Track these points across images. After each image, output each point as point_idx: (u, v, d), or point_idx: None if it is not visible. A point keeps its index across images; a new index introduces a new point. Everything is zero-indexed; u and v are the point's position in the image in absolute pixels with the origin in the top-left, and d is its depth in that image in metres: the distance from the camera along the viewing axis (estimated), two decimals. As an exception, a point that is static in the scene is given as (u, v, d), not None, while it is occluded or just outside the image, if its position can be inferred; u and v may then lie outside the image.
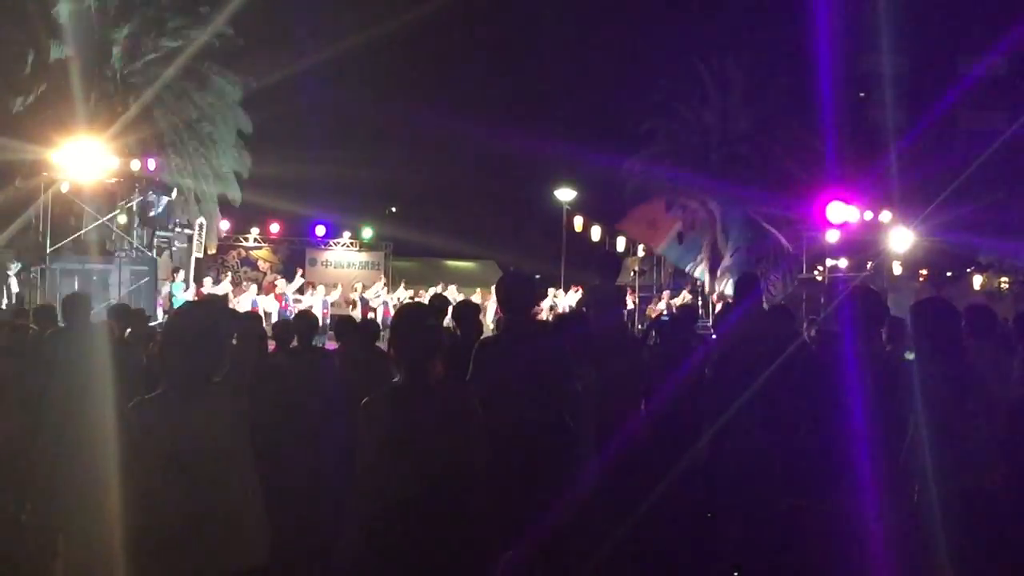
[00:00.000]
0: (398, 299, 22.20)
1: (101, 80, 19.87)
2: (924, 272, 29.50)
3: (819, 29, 21.78)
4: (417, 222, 29.58)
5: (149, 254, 19.59)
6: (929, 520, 3.75)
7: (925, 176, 23.87)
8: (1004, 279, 29.40)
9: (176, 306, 15.29)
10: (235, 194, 23.72)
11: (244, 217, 27.17)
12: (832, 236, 21.66)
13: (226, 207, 24.80)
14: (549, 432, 4.22)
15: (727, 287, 19.95)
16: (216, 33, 20.86)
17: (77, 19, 18.78)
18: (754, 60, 27.81)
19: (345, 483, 3.79)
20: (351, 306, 21.67)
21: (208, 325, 3.37)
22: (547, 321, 13.55)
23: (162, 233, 20.73)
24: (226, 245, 27.29)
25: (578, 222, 26.12)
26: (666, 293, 23.60)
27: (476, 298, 20.15)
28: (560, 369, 4.45)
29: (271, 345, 6.65)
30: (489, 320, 16.82)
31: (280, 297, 21.67)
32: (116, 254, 18.93)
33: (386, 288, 24.22)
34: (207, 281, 20.69)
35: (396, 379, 3.48)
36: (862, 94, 30.66)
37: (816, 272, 25.62)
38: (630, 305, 20.69)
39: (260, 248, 28.31)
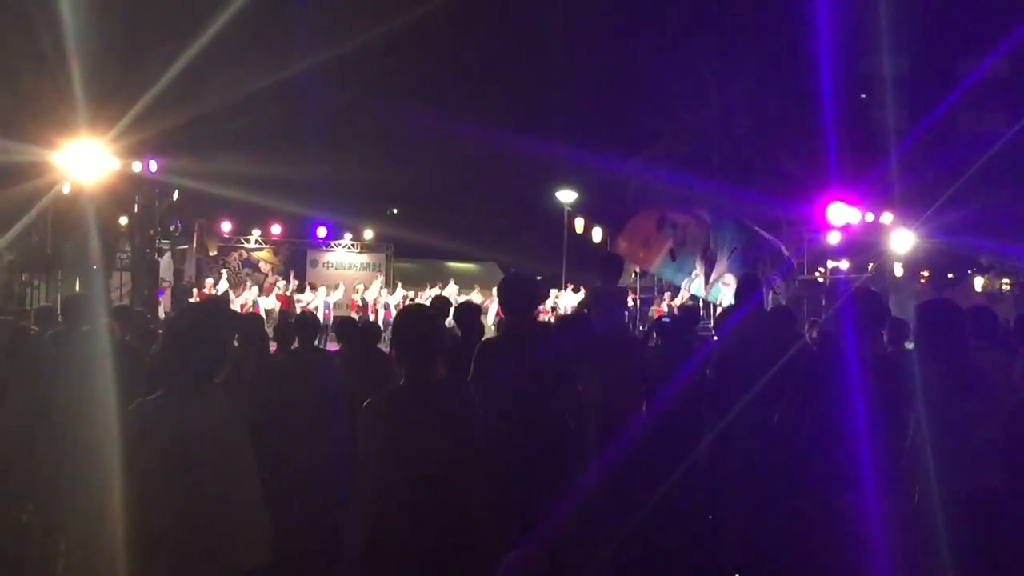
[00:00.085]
0: (401, 299, 22.23)
1: (102, 81, 19.88)
2: (925, 274, 29.51)
3: (820, 30, 21.78)
4: (418, 223, 29.56)
5: (151, 255, 19.60)
6: (930, 522, 3.75)
7: (926, 178, 23.89)
8: (1005, 281, 29.42)
9: None
10: (236, 195, 23.71)
11: (245, 218, 27.20)
12: (833, 238, 21.67)
13: (227, 208, 24.80)
14: (550, 433, 4.22)
15: (722, 293, 19.91)
16: (217, 33, 20.85)
17: (78, 20, 18.79)
18: (755, 62, 27.81)
19: (346, 483, 3.79)
20: (359, 310, 21.72)
21: (209, 326, 3.37)
22: (549, 322, 13.57)
23: (163, 235, 20.75)
24: (227, 246, 27.31)
25: (579, 224, 26.13)
26: (667, 295, 23.59)
27: (475, 298, 20.23)
28: (561, 370, 4.45)
29: (272, 346, 6.67)
30: (490, 321, 16.82)
31: (285, 299, 21.71)
32: (118, 255, 18.95)
33: (384, 289, 24.21)
34: (208, 282, 20.73)
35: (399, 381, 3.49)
36: (863, 95, 30.66)
37: (817, 273, 25.64)
38: (631, 306, 20.67)
39: (261, 249, 28.32)
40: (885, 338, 5.79)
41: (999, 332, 5.78)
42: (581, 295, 22.16)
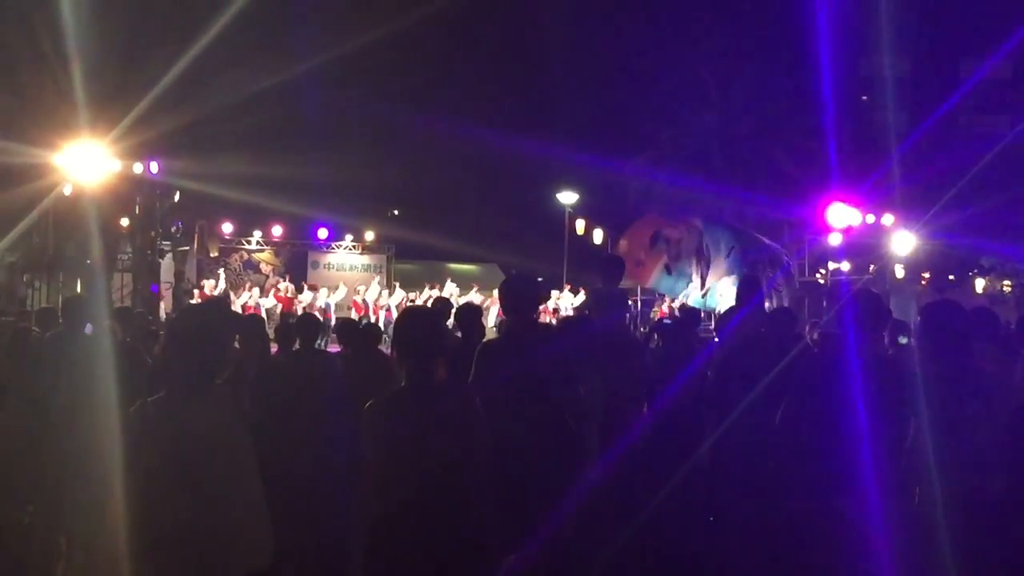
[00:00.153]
0: (400, 300, 22.25)
1: (103, 82, 19.89)
2: (926, 275, 29.53)
3: (821, 32, 21.79)
4: (419, 225, 29.54)
5: (152, 257, 19.61)
6: (931, 523, 3.75)
7: (927, 179, 23.88)
8: (1007, 282, 29.43)
9: None
10: (237, 197, 23.71)
11: (246, 220, 27.19)
12: (834, 239, 21.67)
13: (228, 210, 24.79)
14: (551, 435, 4.22)
15: (718, 304, 19.89)
16: (218, 35, 20.87)
17: (79, 21, 18.80)
18: (756, 63, 27.81)
19: (347, 485, 3.79)
20: (362, 312, 21.73)
21: (210, 327, 3.37)
22: (550, 324, 13.56)
23: (165, 236, 20.76)
24: (228, 248, 27.32)
25: (580, 225, 26.15)
26: (668, 296, 23.57)
27: (474, 298, 20.22)
28: (562, 372, 4.45)
29: (273, 347, 6.67)
30: (491, 323, 16.82)
31: (285, 300, 21.72)
32: (119, 257, 18.96)
33: (385, 291, 24.20)
34: (209, 283, 20.75)
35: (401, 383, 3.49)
36: (864, 97, 30.68)
37: (818, 275, 25.64)
38: (632, 308, 20.68)
39: (262, 251, 28.33)
40: (886, 340, 5.79)
41: (1000, 334, 5.78)
42: (579, 297, 22.17)
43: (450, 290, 22.35)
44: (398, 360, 3.49)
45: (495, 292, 18.21)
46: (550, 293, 22.40)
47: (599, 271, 6.77)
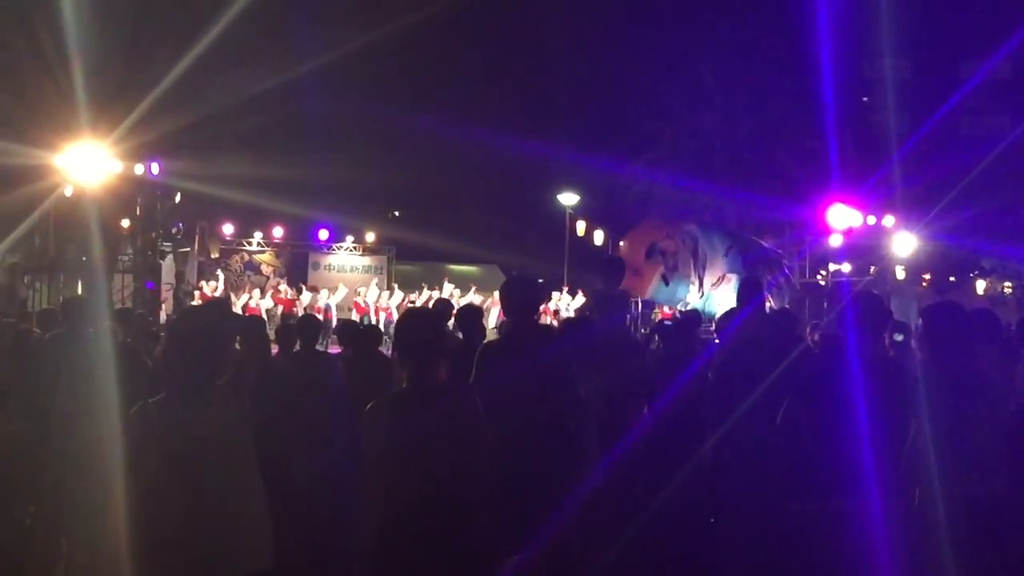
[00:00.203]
0: (400, 301, 22.25)
1: (104, 84, 19.90)
2: (927, 277, 29.51)
3: (822, 33, 21.80)
4: (420, 226, 29.54)
5: (152, 258, 19.61)
6: (931, 523, 3.75)
7: (928, 180, 23.88)
8: (1007, 284, 29.42)
9: None
10: (238, 198, 23.72)
11: (247, 221, 27.21)
12: (835, 241, 21.67)
13: (229, 211, 24.79)
14: (552, 436, 4.22)
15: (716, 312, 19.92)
16: (220, 36, 20.87)
17: (80, 22, 18.81)
18: (757, 65, 27.83)
19: (348, 486, 3.79)
20: (363, 311, 21.73)
21: (211, 328, 3.37)
22: (551, 325, 13.56)
23: (165, 237, 20.76)
24: (229, 249, 27.33)
25: (580, 226, 26.16)
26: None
27: (473, 299, 20.23)
28: (563, 373, 4.45)
29: (274, 348, 6.66)
30: (492, 324, 16.82)
31: (284, 301, 21.71)
32: (119, 258, 18.96)
33: (385, 292, 24.20)
34: (210, 285, 20.75)
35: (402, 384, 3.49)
36: (865, 98, 30.68)
37: (819, 276, 25.64)
38: (633, 309, 20.67)
39: (263, 252, 28.33)
40: (887, 341, 5.79)
41: (1001, 335, 5.78)
42: (578, 299, 22.17)
43: (448, 291, 22.35)
44: (399, 361, 3.49)
45: (495, 293, 18.23)
46: (551, 294, 22.41)
47: (600, 272, 6.78)
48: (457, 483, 3.29)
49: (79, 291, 16.58)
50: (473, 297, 21.09)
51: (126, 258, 20.16)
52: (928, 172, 23.96)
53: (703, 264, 21.33)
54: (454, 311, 6.91)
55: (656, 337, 7.99)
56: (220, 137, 22.53)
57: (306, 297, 22.75)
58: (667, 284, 21.40)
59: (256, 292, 23.08)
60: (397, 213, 36.10)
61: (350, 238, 28.92)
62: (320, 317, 16.44)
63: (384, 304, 22.54)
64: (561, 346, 4.71)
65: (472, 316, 6.04)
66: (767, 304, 8.42)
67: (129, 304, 16.92)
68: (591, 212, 27.44)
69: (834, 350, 4.90)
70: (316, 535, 5.11)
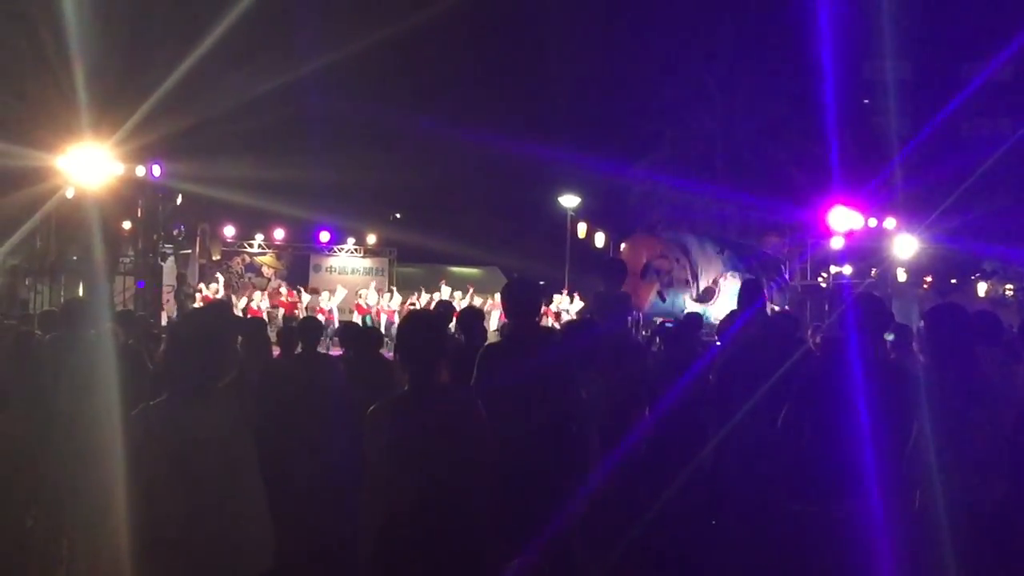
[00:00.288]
0: (400, 304, 22.25)
1: (106, 85, 19.91)
2: (928, 279, 29.49)
3: (823, 36, 21.81)
4: (421, 228, 29.56)
5: (154, 260, 19.61)
6: (932, 527, 3.75)
7: (929, 182, 23.88)
8: (1009, 286, 29.36)
9: None
10: (239, 200, 23.74)
11: (248, 223, 27.23)
12: (836, 243, 21.65)
13: (230, 213, 24.80)
14: (553, 439, 4.22)
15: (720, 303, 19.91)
16: (221, 38, 20.90)
17: (82, 24, 18.83)
18: (758, 66, 27.83)
19: (349, 489, 3.79)
20: (364, 312, 21.74)
21: (212, 330, 3.38)
22: (552, 327, 13.56)
23: (167, 239, 20.76)
24: (230, 251, 27.34)
25: (581, 228, 26.15)
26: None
27: (472, 302, 20.22)
28: (564, 375, 4.45)
29: (275, 350, 6.67)
30: (493, 326, 16.82)
31: (285, 303, 21.72)
32: (121, 260, 18.96)
33: (383, 294, 24.20)
34: (212, 287, 20.75)
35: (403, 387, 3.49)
36: (866, 100, 30.70)
37: (820, 278, 25.62)
38: (635, 311, 20.66)
39: (264, 254, 28.34)
40: (889, 344, 5.79)
41: (1003, 337, 5.78)
42: (576, 303, 22.17)
43: (447, 293, 22.35)
44: (400, 364, 3.49)
45: (496, 295, 18.23)
46: (552, 297, 22.41)
47: (601, 274, 6.77)
48: (459, 485, 3.29)
49: (80, 293, 16.60)
50: (471, 300, 21.08)
51: (127, 260, 20.17)
52: (929, 174, 23.96)
53: (697, 266, 21.33)
54: (455, 313, 6.92)
55: (657, 339, 7.99)
56: (222, 139, 22.55)
57: (306, 299, 22.76)
58: (663, 300, 21.45)
59: (257, 294, 23.09)
60: (398, 215, 36.14)
61: (351, 240, 28.93)
62: (322, 319, 16.44)
63: (385, 306, 22.54)
64: (562, 348, 4.71)
65: (473, 318, 6.04)
66: (768, 306, 8.43)
67: (130, 306, 16.93)
68: (592, 214, 27.43)
69: (835, 352, 4.89)
70: (317, 536, 5.11)
